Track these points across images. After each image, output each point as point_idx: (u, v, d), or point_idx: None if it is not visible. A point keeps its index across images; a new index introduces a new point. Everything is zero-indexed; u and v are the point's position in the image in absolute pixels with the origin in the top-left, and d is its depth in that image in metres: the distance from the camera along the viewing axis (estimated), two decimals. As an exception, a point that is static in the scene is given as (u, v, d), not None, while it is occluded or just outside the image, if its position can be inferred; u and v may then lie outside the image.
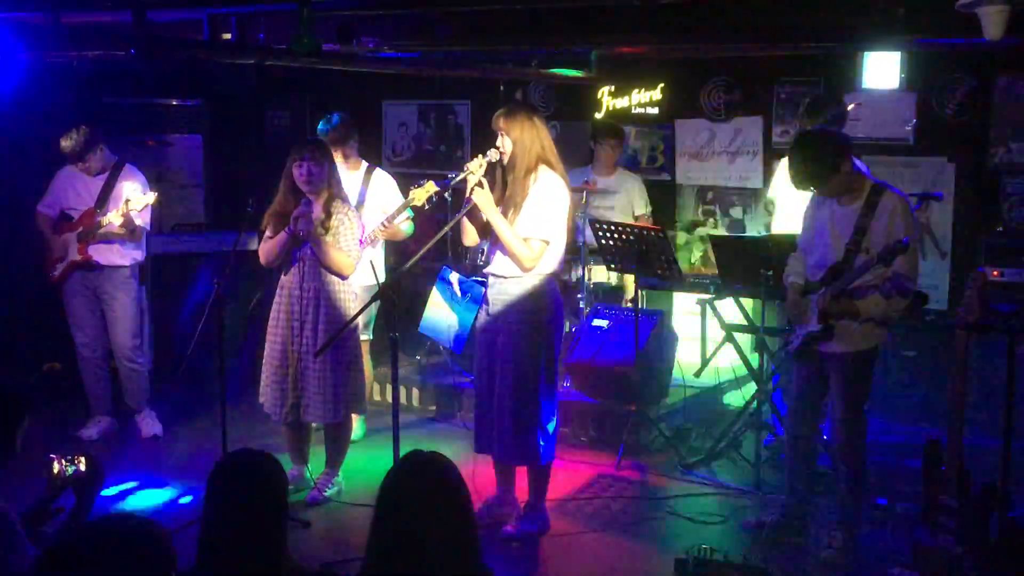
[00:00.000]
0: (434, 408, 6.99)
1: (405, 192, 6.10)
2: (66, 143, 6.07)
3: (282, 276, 5.29)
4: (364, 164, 6.28)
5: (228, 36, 5.72)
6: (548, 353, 4.85)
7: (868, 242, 4.39)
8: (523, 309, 4.76)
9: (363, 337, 5.99)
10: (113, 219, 6.04)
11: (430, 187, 5.77)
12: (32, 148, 7.21)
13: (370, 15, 6.20)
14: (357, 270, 5.38)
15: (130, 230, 6.13)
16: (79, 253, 6.17)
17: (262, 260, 5.32)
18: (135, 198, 6.04)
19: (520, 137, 4.70)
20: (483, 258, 5.05)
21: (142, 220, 6.20)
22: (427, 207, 5.90)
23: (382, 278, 5.66)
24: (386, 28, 6.55)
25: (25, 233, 6.81)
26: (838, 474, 4.75)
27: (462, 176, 4.77)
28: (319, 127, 6.12)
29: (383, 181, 6.24)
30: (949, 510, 4.01)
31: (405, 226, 6.17)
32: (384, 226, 5.95)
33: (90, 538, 2.33)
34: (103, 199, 6.17)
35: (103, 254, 6.19)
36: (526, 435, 4.80)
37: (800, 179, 4.54)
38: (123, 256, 6.26)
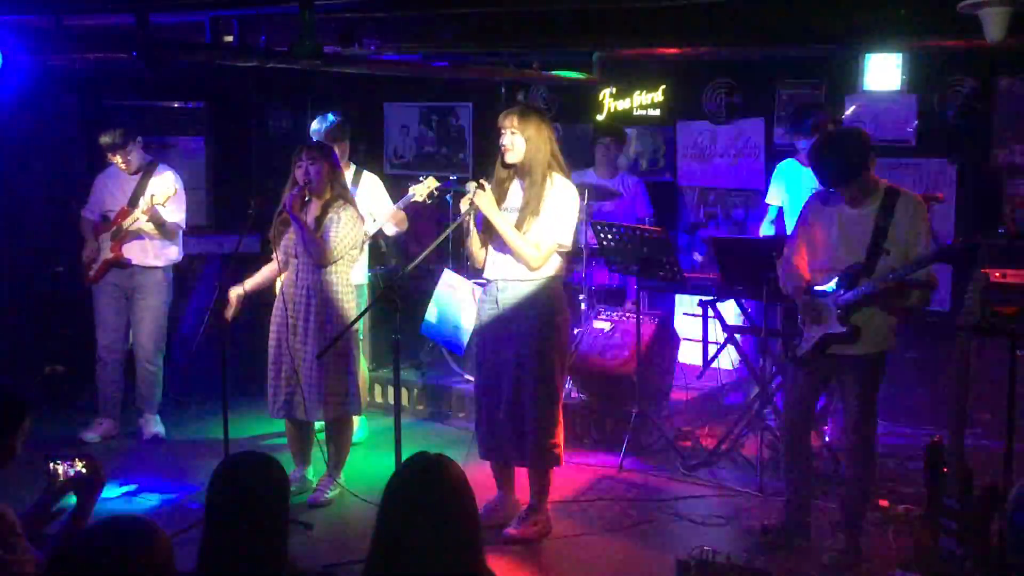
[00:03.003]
0: (435, 410, 6.99)
1: (401, 192, 6.17)
2: (106, 138, 6.14)
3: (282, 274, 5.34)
4: (353, 166, 6.31)
5: (230, 39, 5.72)
6: (562, 354, 4.88)
7: (889, 243, 4.39)
8: (540, 311, 4.76)
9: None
10: (139, 216, 6.08)
11: (431, 183, 5.96)
12: (34, 150, 7.22)
13: (371, 17, 6.20)
14: (354, 268, 5.42)
15: (158, 225, 6.17)
16: (111, 251, 6.21)
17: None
18: (158, 192, 6.08)
19: (535, 138, 4.69)
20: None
21: (173, 216, 6.24)
22: (428, 202, 6.04)
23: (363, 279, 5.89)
24: (387, 30, 6.55)
25: (27, 235, 6.82)
26: (844, 475, 4.74)
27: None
28: (313, 125, 6.14)
29: (372, 184, 6.26)
30: (951, 512, 4.00)
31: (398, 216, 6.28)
32: (392, 216, 6.09)
33: (91, 541, 2.34)
34: (135, 198, 6.23)
35: (136, 253, 6.24)
36: (549, 438, 4.81)
37: (829, 179, 4.50)
38: (157, 256, 6.30)
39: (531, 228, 4.69)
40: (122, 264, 6.24)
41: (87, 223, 6.39)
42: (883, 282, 4.35)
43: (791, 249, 4.75)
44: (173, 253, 6.38)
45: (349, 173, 6.25)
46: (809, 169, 6.07)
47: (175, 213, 6.25)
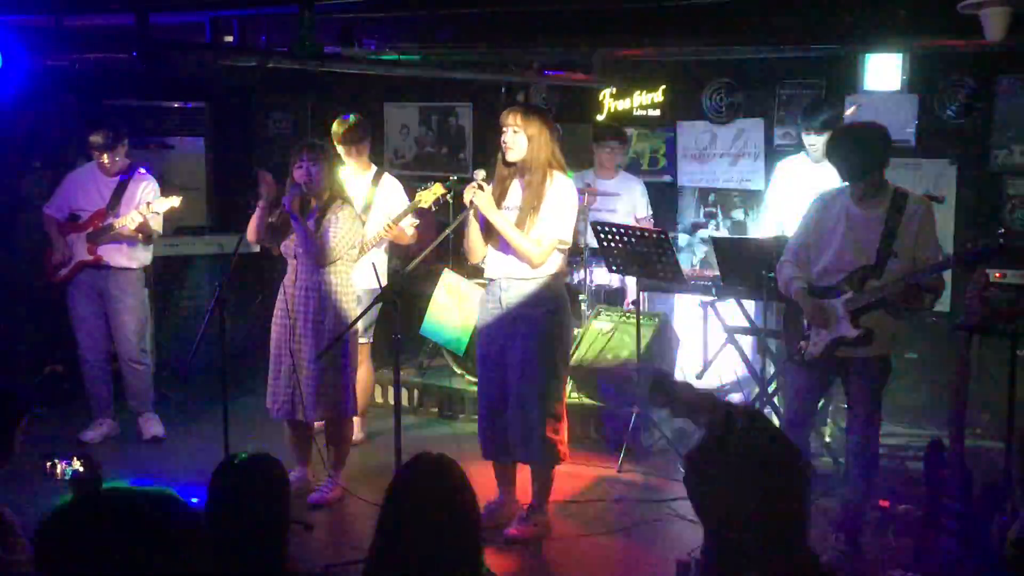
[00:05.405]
0: (435, 410, 6.99)
1: (411, 195, 6.12)
2: (96, 138, 6.12)
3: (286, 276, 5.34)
4: (373, 167, 6.28)
5: (230, 39, 5.73)
6: (566, 351, 4.92)
7: (898, 245, 4.37)
8: (547, 309, 4.78)
9: (362, 340, 5.99)
10: (128, 222, 6.08)
11: (437, 189, 5.87)
12: (34, 150, 7.22)
13: (371, 17, 6.20)
14: (360, 272, 5.42)
15: (146, 235, 6.18)
16: (88, 253, 6.19)
17: (249, 237, 5.37)
18: (156, 201, 6.08)
19: (537, 137, 4.70)
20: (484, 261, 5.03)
21: (157, 224, 6.24)
22: (434, 208, 5.98)
23: (384, 281, 5.69)
24: (387, 30, 6.55)
25: (27, 234, 6.80)
26: (845, 475, 4.73)
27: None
28: (334, 127, 6.10)
29: (391, 186, 6.21)
30: (951, 512, 4.00)
31: (409, 229, 6.14)
32: (388, 228, 5.93)
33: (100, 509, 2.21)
34: (115, 201, 6.20)
35: (112, 255, 6.22)
36: (555, 434, 4.82)
37: (847, 172, 4.47)
38: (131, 259, 6.28)
39: (533, 225, 4.70)
40: (97, 266, 6.22)
41: (51, 221, 6.31)
42: (901, 284, 4.32)
43: (792, 251, 4.73)
44: (146, 256, 6.37)
45: (370, 174, 6.21)
46: (809, 168, 6.08)
47: (156, 220, 6.24)
